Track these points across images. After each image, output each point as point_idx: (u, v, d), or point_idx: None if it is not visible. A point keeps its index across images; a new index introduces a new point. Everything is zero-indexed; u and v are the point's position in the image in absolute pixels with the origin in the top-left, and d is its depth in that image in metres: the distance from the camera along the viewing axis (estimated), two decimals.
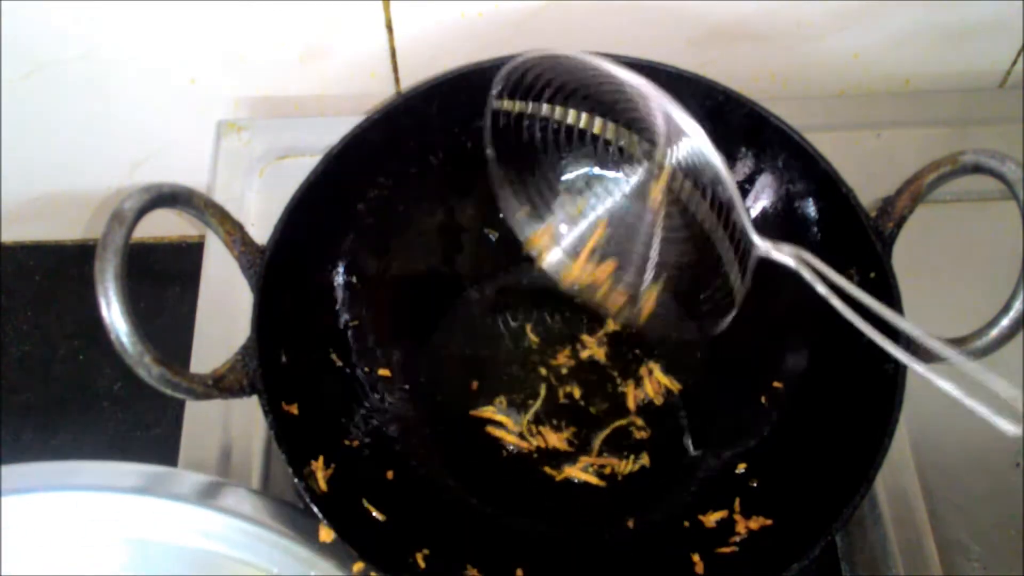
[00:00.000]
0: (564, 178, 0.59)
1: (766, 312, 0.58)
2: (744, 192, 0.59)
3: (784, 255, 0.46)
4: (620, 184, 0.57)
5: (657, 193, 0.54)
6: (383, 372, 0.58)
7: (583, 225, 0.58)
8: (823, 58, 0.67)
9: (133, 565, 0.47)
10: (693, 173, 0.52)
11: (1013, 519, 0.57)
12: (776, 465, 0.54)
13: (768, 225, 0.58)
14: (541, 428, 0.58)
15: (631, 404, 0.58)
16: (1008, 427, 0.35)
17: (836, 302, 0.43)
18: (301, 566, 0.46)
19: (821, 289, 0.44)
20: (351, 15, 0.61)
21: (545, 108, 0.54)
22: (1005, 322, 0.45)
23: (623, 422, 0.58)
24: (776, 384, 0.56)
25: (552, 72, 0.51)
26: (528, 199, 0.58)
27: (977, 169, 0.47)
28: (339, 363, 0.56)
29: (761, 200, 0.58)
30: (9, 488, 0.46)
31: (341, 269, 0.57)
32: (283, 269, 0.51)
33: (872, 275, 0.51)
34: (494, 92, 0.52)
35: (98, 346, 0.68)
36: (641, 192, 0.56)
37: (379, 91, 0.67)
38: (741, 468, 0.55)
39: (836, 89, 0.69)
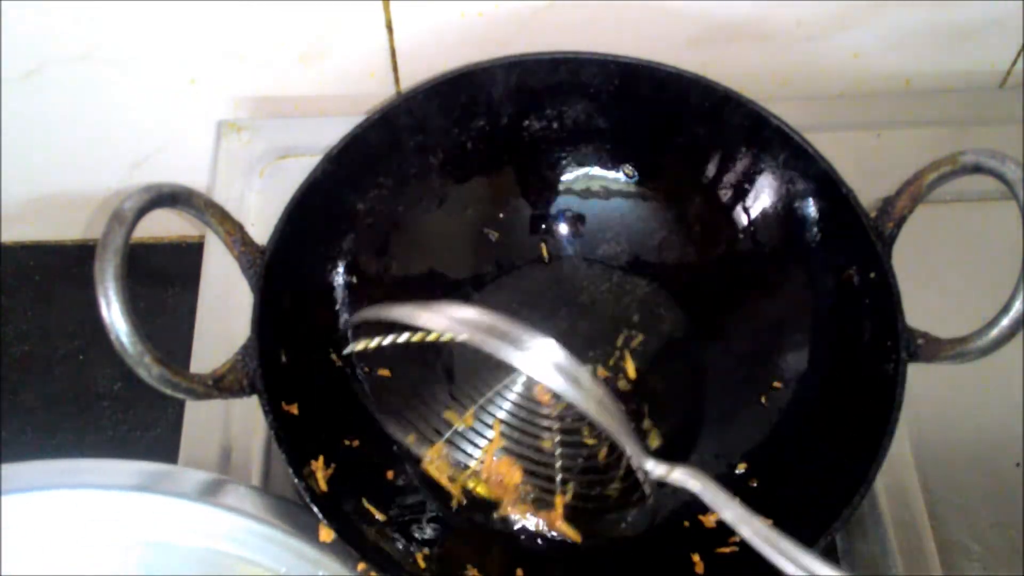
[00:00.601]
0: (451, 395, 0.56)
1: (766, 312, 0.58)
2: (744, 192, 0.59)
3: (682, 480, 0.44)
4: (508, 389, 0.54)
5: (543, 393, 0.52)
6: (383, 372, 0.58)
7: (478, 440, 0.54)
8: (823, 58, 0.67)
9: (137, 565, 0.47)
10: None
11: (1013, 519, 0.57)
12: (776, 465, 0.54)
13: (768, 225, 0.58)
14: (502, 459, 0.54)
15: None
16: None
17: (745, 531, 0.41)
18: (308, 566, 0.46)
19: (727, 515, 0.42)
20: (351, 15, 0.61)
21: (404, 335, 0.50)
22: (1005, 322, 0.45)
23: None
24: (776, 384, 0.56)
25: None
26: (413, 425, 0.55)
27: (977, 169, 0.47)
28: (339, 363, 0.56)
29: (761, 200, 0.58)
30: (9, 487, 0.46)
31: (341, 269, 0.57)
32: (283, 269, 0.51)
33: (872, 275, 0.51)
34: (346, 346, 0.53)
35: (98, 346, 0.68)
36: (529, 394, 0.53)
37: (379, 91, 0.67)
38: (741, 468, 0.55)
39: (836, 89, 0.69)
